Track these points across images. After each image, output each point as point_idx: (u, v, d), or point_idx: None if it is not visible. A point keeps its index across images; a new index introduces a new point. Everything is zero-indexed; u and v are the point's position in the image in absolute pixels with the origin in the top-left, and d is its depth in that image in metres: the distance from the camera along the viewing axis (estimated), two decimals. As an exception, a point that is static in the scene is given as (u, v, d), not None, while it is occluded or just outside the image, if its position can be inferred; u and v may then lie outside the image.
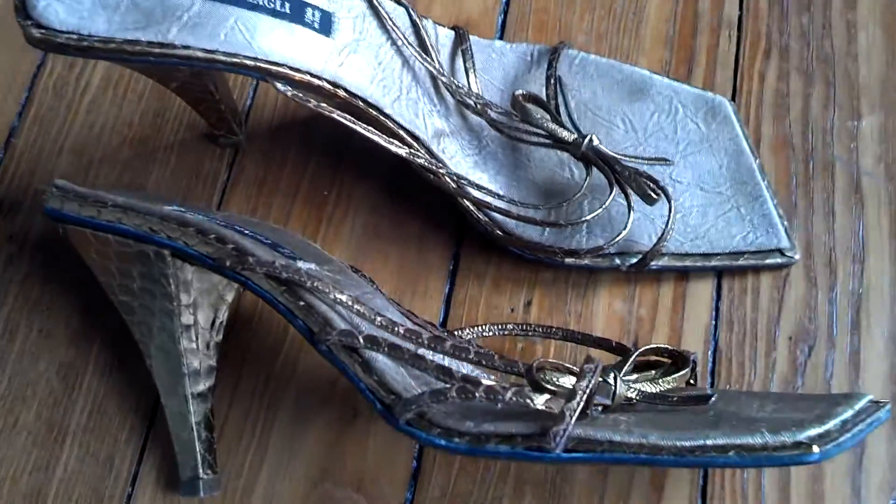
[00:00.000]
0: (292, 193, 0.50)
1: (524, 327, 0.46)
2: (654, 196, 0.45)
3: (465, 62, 0.49)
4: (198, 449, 0.42)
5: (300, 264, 0.41)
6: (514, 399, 0.34)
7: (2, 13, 0.55)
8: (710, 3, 0.55)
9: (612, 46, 0.54)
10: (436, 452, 0.44)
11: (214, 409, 0.44)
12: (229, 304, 0.44)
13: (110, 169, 0.51)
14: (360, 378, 0.37)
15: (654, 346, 0.42)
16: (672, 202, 0.45)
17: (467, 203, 0.46)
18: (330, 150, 0.51)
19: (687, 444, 0.33)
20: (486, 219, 0.47)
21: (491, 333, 0.46)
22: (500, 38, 0.55)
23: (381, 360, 0.37)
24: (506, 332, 0.46)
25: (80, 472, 0.44)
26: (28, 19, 0.38)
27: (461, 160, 0.47)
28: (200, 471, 0.42)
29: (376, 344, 0.37)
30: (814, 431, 0.33)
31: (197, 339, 0.43)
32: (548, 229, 0.47)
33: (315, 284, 0.39)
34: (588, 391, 0.35)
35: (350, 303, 0.39)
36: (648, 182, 0.45)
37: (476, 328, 0.45)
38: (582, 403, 0.34)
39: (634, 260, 0.47)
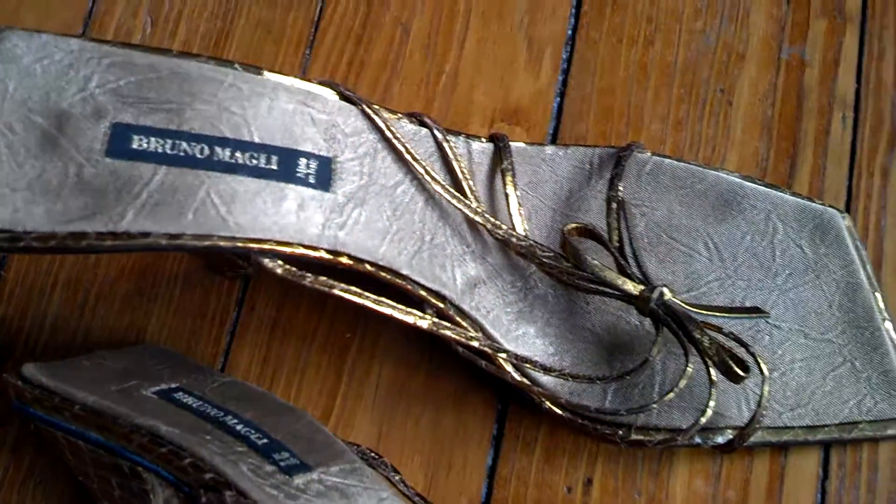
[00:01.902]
0: (309, 338, 0.43)
1: (581, 524, 0.38)
2: (741, 374, 0.35)
3: (505, 185, 0.40)
4: None
5: (297, 480, 0.34)
6: None
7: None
8: (818, 75, 0.44)
9: (694, 136, 0.44)
10: None
11: None
12: (231, 495, 0.38)
13: (108, 308, 0.45)
14: None
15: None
16: (767, 377, 0.36)
17: (512, 375, 0.38)
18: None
19: None
20: (537, 389, 0.38)
21: (540, 533, 0.38)
22: (556, 127, 0.45)
23: None
24: (558, 531, 0.38)
25: None
26: (-48, 216, 0.31)
27: (501, 313, 0.39)
28: None
29: None
30: None
31: None
32: (609, 398, 0.38)
33: (307, 531, 0.31)
34: None
35: (352, 550, 0.32)
36: (733, 352, 0.36)
37: (522, 526, 0.38)
38: None
39: (720, 439, 0.38)
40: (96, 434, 0.35)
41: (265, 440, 0.36)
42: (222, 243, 0.33)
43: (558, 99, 0.46)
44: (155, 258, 0.45)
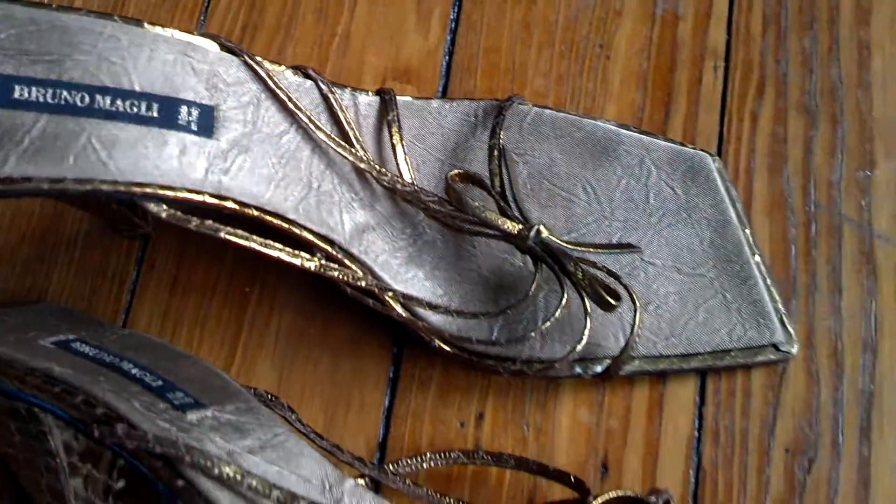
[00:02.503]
0: (209, 293, 0.44)
1: (472, 454, 0.39)
2: (613, 303, 0.37)
3: (391, 136, 0.41)
4: None
5: (191, 416, 0.35)
6: None
7: None
8: (691, 28, 0.47)
9: (575, 90, 0.46)
10: None
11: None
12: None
13: (10, 271, 0.45)
14: None
15: (616, 494, 0.35)
16: (639, 307, 0.38)
17: (399, 312, 0.40)
18: (251, 237, 0.45)
19: None
20: (424, 326, 0.40)
21: (433, 464, 0.39)
22: (445, 84, 0.47)
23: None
24: (450, 462, 0.39)
25: None
26: None
27: (390, 258, 0.40)
28: None
29: (264, 541, 0.31)
30: None
31: (91, 491, 0.37)
32: (495, 334, 0.40)
33: (197, 459, 0.33)
34: None
35: (239, 477, 0.33)
36: (606, 283, 0.38)
37: (416, 459, 0.39)
38: None
39: (599, 368, 0.40)
40: None
41: (159, 382, 0.37)
42: (104, 187, 0.34)
43: (447, 57, 0.47)
44: (54, 221, 0.46)
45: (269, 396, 0.40)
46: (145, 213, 0.42)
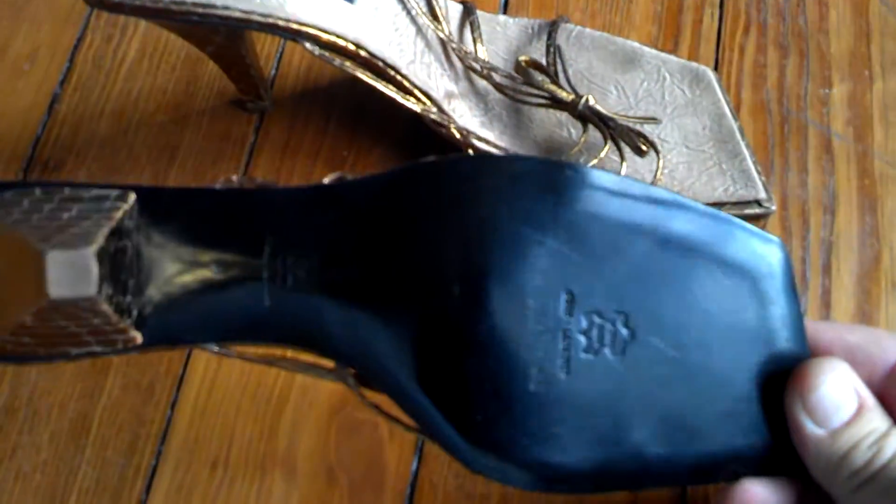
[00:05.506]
0: (314, 155, 0.55)
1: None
2: (644, 150, 0.49)
3: (472, 32, 0.54)
4: None
5: None
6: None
7: (43, -7, 0.60)
8: (694, -16, 0.60)
9: (606, 23, 0.59)
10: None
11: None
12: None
13: (147, 131, 0.56)
14: None
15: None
16: (660, 154, 0.50)
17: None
18: (348, 116, 0.56)
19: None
20: (493, 172, 0.51)
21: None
22: (504, 12, 0.60)
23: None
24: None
25: (122, 399, 0.48)
26: (87, -19, 0.43)
27: (469, 119, 0.52)
28: None
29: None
30: None
31: None
32: (548, 182, 0.52)
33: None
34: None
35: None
36: (639, 137, 0.50)
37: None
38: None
39: (627, 208, 0.51)
40: None
41: None
42: (280, 22, 0.45)
43: (504, -5, 0.60)
44: (186, 97, 0.57)
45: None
46: (267, 91, 0.54)
